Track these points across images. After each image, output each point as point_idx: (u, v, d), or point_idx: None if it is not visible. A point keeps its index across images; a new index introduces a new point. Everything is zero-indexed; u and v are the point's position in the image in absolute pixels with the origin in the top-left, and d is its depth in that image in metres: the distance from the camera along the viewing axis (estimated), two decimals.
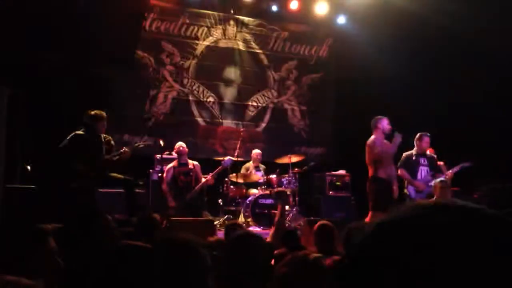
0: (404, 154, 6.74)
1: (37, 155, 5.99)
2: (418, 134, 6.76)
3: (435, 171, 6.67)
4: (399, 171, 6.61)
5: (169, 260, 1.51)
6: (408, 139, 6.70)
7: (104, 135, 6.22)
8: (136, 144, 6.51)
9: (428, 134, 6.75)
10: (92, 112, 6.08)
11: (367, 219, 5.97)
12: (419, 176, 6.64)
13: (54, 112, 7.02)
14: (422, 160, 6.70)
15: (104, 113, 6.12)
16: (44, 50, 7.24)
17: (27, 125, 5.37)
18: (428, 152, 6.83)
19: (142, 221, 3.82)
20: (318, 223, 3.92)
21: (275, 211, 7.11)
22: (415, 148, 6.76)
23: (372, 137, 6.36)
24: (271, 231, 3.60)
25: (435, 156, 6.90)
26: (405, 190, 6.66)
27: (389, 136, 6.39)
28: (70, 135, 5.95)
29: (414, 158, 6.69)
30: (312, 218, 7.13)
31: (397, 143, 6.26)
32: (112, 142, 6.30)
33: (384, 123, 6.36)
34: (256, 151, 8.61)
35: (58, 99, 7.27)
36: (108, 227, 2.13)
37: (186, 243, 1.58)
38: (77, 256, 2.03)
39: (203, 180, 7.35)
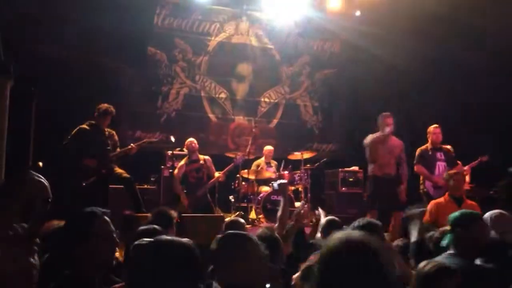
0: (419, 150, 6.51)
1: (50, 151, 6.02)
2: (430, 127, 6.53)
3: (452, 165, 6.36)
4: (415, 168, 6.42)
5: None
6: (421, 134, 6.59)
7: (108, 129, 6.23)
8: (140, 142, 6.48)
9: (438, 125, 6.48)
10: (98, 106, 6.12)
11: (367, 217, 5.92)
12: (436, 172, 6.36)
13: (67, 108, 7.05)
14: (438, 155, 6.43)
15: (109, 108, 6.12)
16: (58, 44, 7.29)
17: (39, 121, 5.39)
18: (443, 146, 6.54)
19: (157, 217, 3.81)
20: (326, 218, 3.89)
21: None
22: (428, 142, 6.51)
23: (373, 134, 6.30)
24: (274, 227, 3.55)
25: (451, 149, 6.60)
26: (422, 187, 6.46)
27: (395, 134, 6.33)
28: (75, 130, 6.00)
29: (430, 153, 6.44)
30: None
31: (388, 132, 6.15)
32: (116, 137, 6.30)
33: (386, 121, 6.25)
34: (268, 148, 8.57)
35: (71, 95, 7.30)
36: (106, 230, 2.09)
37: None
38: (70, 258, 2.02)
39: (215, 174, 7.33)
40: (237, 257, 1.99)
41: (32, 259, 1.86)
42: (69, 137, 5.98)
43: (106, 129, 6.21)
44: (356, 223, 2.94)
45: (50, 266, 2.22)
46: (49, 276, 2.04)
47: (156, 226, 2.95)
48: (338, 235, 1.50)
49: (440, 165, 6.40)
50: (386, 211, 6.05)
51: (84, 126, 6.05)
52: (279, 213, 3.61)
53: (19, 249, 1.83)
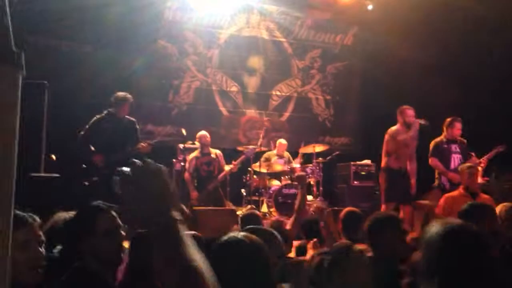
0: (433, 142, 6.38)
1: (63, 144, 6.05)
2: (448, 120, 6.38)
3: (467, 158, 6.27)
4: (430, 161, 6.32)
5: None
6: (436, 127, 6.50)
7: (128, 118, 6.15)
8: (153, 142, 6.42)
9: (459, 118, 6.36)
10: (115, 95, 6.07)
11: (382, 210, 5.88)
12: (452, 165, 6.24)
13: (78, 102, 7.07)
14: (453, 147, 6.32)
15: (126, 97, 6.05)
16: (70, 40, 7.31)
17: (52, 114, 5.41)
18: (458, 138, 6.43)
19: None
20: (345, 210, 3.84)
21: None
22: (443, 135, 6.39)
23: (394, 127, 6.23)
24: (290, 219, 3.53)
25: (465, 141, 6.47)
26: (436, 181, 6.34)
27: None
28: (91, 121, 5.97)
29: (445, 145, 6.31)
30: (336, 208, 7.05)
31: (416, 129, 6.08)
32: (137, 126, 6.21)
33: (406, 113, 6.16)
34: (281, 141, 8.50)
35: (82, 89, 7.32)
36: (111, 225, 2.07)
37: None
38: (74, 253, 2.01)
39: (226, 168, 7.32)
40: None
41: (41, 249, 1.86)
42: (86, 127, 5.97)
43: (127, 118, 6.13)
44: (376, 216, 2.91)
45: (58, 258, 2.21)
46: (56, 268, 2.03)
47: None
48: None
49: (456, 158, 6.29)
50: (397, 204, 6.02)
51: (101, 116, 6.01)
52: (296, 205, 3.60)
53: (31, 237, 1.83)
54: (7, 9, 0.88)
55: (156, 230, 0.98)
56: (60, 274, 2.01)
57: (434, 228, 1.62)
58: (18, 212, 1.74)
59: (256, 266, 1.63)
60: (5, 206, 1.09)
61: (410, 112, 6.18)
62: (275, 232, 2.24)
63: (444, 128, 6.41)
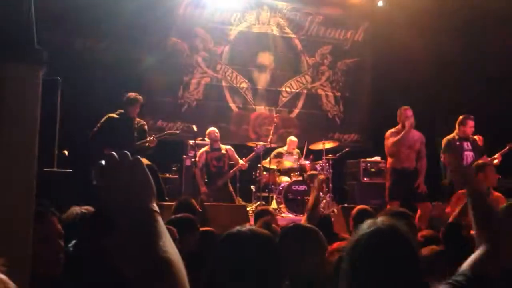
0: (445, 139, 6.36)
1: (75, 140, 6.11)
2: (461, 117, 6.34)
3: (480, 155, 6.22)
4: (442, 157, 6.32)
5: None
6: (449, 124, 6.47)
7: (138, 119, 6.26)
8: (161, 135, 6.49)
9: (472, 116, 6.31)
10: (127, 95, 6.15)
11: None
12: (464, 162, 6.16)
13: (90, 98, 7.12)
14: (466, 145, 6.29)
15: (137, 97, 6.14)
16: (82, 36, 7.35)
17: (64, 110, 5.46)
18: (470, 136, 6.39)
19: (181, 206, 3.86)
20: (357, 208, 3.85)
21: (308, 198, 7.06)
22: (455, 132, 6.36)
23: (392, 128, 6.27)
24: (303, 217, 3.54)
25: (477, 139, 6.43)
26: (447, 179, 6.28)
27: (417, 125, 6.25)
28: (103, 118, 6.04)
29: (457, 143, 6.28)
30: (346, 205, 7.06)
31: (408, 130, 6.07)
32: (146, 127, 6.33)
33: (403, 113, 6.16)
34: (292, 139, 8.49)
35: (94, 85, 7.37)
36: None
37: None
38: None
39: (240, 162, 7.34)
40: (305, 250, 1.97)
41: (61, 242, 1.90)
42: (98, 125, 6.03)
43: (136, 119, 6.22)
44: (387, 212, 2.91)
45: (75, 252, 2.24)
46: (74, 262, 2.06)
47: (190, 215, 3.00)
48: (368, 223, 1.48)
49: (468, 155, 6.27)
50: (410, 204, 6.00)
51: (113, 114, 6.08)
52: (309, 203, 3.60)
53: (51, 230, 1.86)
54: (32, 7, 0.90)
55: (132, 221, 0.97)
56: (74, 268, 2.04)
57: (364, 227, 1.51)
58: (39, 206, 1.77)
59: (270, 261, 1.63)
60: (28, 199, 1.12)
61: (408, 112, 6.16)
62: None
63: (456, 126, 6.39)
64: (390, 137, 6.23)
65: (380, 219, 1.51)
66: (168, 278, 0.93)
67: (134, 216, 0.97)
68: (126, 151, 1.01)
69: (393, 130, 6.32)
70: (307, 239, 2.03)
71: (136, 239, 0.96)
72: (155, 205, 1.01)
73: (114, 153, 1.00)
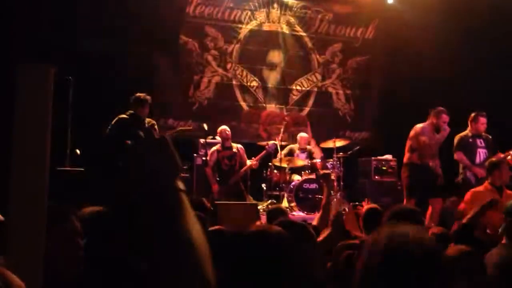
0: (458, 136, 6.32)
1: (87, 139, 6.15)
2: (473, 114, 6.31)
3: (493, 153, 6.14)
4: (455, 155, 6.26)
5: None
6: (460, 123, 6.42)
7: (149, 119, 6.25)
8: (173, 131, 6.51)
9: (484, 113, 6.28)
10: (135, 95, 6.14)
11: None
12: (477, 160, 6.18)
13: (101, 97, 7.16)
14: (479, 142, 6.25)
15: (145, 97, 6.13)
16: (93, 36, 7.40)
17: (76, 109, 5.52)
18: (484, 133, 6.35)
19: (192, 205, 3.87)
20: (367, 207, 3.86)
21: (319, 196, 7.06)
22: (468, 129, 6.33)
23: (422, 124, 6.17)
24: (317, 215, 3.54)
25: (490, 137, 6.39)
26: (461, 176, 6.25)
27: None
28: (114, 120, 6.05)
29: (470, 140, 6.26)
30: (357, 203, 7.04)
31: (443, 136, 6.07)
32: (156, 126, 6.33)
33: (441, 117, 6.11)
34: (302, 135, 8.48)
35: (104, 84, 7.42)
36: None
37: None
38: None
39: (248, 163, 7.35)
40: None
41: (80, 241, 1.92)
42: (109, 126, 6.04)
43: (147, 119, 6.22)
44: (394, 210, 2.90)
45: (91, 251, 2.26)
46: (90, 261, 2.08)
47: (200, 213, 3.00)
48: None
49: (481, 152, 6.23)
50: (423, 199, 5.97)
51: (123, 115, 6.08)
52: (323, 202, 3.61)
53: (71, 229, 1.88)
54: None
55: (158, 198, 0.95)
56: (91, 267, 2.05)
57: (381, 232, 1.35)
58: (59, 206, 1.80)
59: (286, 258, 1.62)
60: (40, 198, 1.13)
61: (445, 117, 6.13)
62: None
63: (469, 123, 6.35)
64: (423, 136, 6.12)
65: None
66: (187, 262, 0.90)
67: (159, 194, 0.95)
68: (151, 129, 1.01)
69: (425, 125, 6.20)
70: (296, 234, 2.02)
71: (160, 218, 0.93)
72: (180, 183, 1.00)
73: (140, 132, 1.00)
